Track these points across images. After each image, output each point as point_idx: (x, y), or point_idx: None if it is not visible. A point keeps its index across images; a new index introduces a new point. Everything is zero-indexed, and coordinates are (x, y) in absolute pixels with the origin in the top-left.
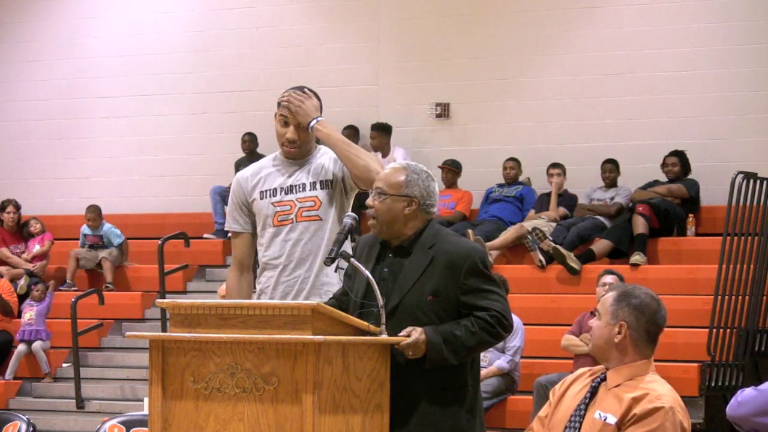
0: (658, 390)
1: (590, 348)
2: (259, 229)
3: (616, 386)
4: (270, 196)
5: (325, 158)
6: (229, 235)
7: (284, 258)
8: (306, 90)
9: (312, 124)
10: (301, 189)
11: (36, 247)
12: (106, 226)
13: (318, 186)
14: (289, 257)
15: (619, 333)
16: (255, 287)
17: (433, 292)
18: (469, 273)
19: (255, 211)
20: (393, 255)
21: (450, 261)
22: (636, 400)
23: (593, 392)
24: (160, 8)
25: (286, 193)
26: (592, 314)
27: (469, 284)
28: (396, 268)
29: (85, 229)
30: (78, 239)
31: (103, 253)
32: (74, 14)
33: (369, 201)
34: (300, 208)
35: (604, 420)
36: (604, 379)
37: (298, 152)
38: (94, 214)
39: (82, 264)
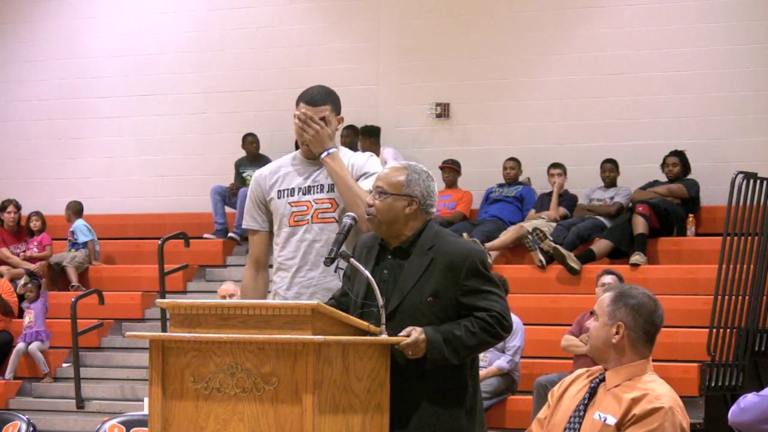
0: (657, 390)
1: (588, 349)
2: (275, 228)
3: (615, 387)
4: (287, 196)
5: (344, 160)
6: (230, 234)
7: (299, 259)
8: (325, 109)
9: (322, 156)
10: (318, 190)
11: (34, 251)
12: (78, 223)
13: (335, 188)
14: (304, 258)
15: (616, 333)
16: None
17: (432, 293)
18: (468, 274)
19: (272, 210)
20: (392, 256)
21: (450, 262)
22: (635, 401)
23: (592, 393)
24: (160, 8)
25: (304, 194)
26: (592, 314)
27: (469, 285)
28: (395, 269)
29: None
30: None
31: (66, 258)
32: (74, 14)
33: (369, 200)
34: (317, 209)
35: (604, 421)
36: (602, 380)
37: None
38: (70, 210)
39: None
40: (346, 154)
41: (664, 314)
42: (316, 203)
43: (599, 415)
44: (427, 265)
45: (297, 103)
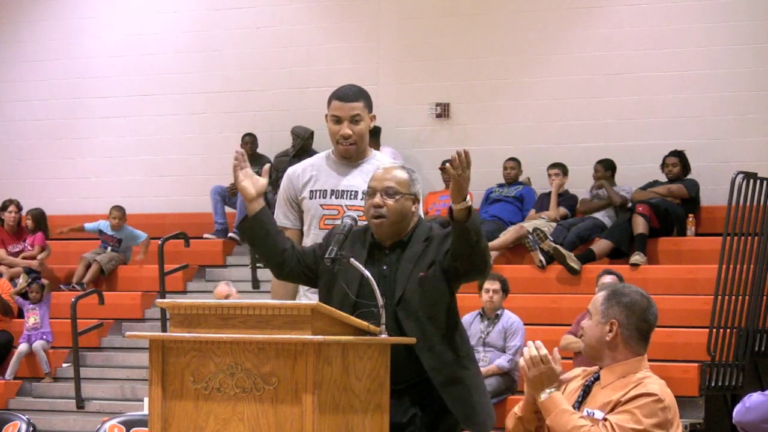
0: (649, 385)
1: (583, 348)
2: (305, 228)
3: (609, 384)
4: (320, 197)
5: (381, 161)
6: (230, 234)
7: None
8: None
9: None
10: (352, 196)
11: (30, 249)
12: (128, 230)
13: None
14: None
15: (610, 331)
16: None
17: (428, 266)
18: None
19: (303, 209)
20: (390, 252)
21: (444, 237)
22: (625, 394)
23: (586, 391)
24: (160, 8)
25: (337, 198)
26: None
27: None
28: (394, 264)
29: (104, 226)
30: (77, 240)
31: (100, 257)
32: (74, 14)
33: (377, 200)
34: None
35: (592, 416)
36: (597, 378)
37: (354, 149)
38: (120, 213)
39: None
40: (381, 161)
41: (658, 312)
42: (348, 210)
43: (587, 411)
44: (422, 249)
45: (329, 102)
